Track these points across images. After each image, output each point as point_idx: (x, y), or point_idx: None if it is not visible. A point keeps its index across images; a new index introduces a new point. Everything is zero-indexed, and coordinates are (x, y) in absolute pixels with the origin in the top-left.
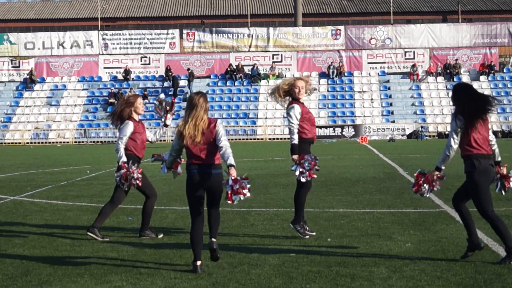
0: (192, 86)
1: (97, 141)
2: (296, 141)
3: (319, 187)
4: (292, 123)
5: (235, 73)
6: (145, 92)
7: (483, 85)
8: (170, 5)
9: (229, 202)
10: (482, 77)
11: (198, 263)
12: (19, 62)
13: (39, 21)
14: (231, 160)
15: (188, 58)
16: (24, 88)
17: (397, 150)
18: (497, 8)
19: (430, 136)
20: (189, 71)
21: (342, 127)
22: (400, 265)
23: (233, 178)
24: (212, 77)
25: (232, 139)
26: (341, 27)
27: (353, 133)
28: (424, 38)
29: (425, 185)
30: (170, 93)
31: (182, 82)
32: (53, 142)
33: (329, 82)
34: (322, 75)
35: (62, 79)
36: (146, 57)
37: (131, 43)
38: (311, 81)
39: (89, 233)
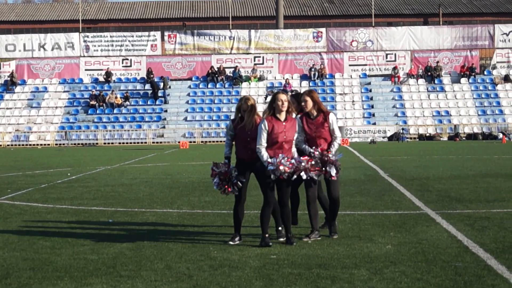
0: (166, 93)
1: (78, 144)
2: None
3: (299, 189)
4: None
5: (216, 75)
6: (126, 94)
7: (464, 87)
8: (152, 7)
9: None
10: (463, 80)
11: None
12: None
13: (20, 23)
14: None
15: (170, 60)
16: (4, 90)
17: (378, 152)
18: (478, 11)
19: (411, 138)
20: (163, 78)
21: None
22: (381, 267)
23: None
24: (193, 79)
25: (213, 141)
26: (323, 30)
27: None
28: (405, 41)
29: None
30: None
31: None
32: (34, 145)
33: (311, 85)
34: (303, 77)
35: (43, 81)
36: (127, 59)
37: (112, 45)
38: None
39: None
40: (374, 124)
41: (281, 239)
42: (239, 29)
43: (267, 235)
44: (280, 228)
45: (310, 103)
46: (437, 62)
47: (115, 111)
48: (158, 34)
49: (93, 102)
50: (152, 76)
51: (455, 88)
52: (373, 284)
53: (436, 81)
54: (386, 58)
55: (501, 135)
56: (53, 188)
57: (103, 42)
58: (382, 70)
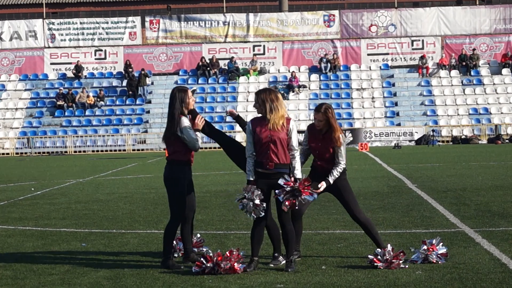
0: (145, 90)
1: (44, 152)
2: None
3: (312, 204)
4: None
5: (208, 68)
6: (101, 92)
7: (505, 80)
8: None
9: None
10: (504, 70)
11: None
12: None
13: None
14: None
15: (152, 51)
16: None
17: (404, 159)
18: None
19: (443, 141)
20: (143, 72)
21: None
22: None
23: None
24: (181, 73)
25: (207, 148)
26: (335, 12)
27: (351, 138)
28: (434, 24)
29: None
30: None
31: (148, 80)
32: None
33: (322, 78)
34: (313, 69)
35: (0, 78)
36: (101, 50)
37: (83, 34)
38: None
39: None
40: (399, 125)
41: (272, 265)
42: (235, 13)
43: (255, 259)
44: (276, 254)
45: (322, 123)
46: (473, 49)
47: (87, 112)
48: (137, 19)
49: (60, 103)
50: (131, 70)
51: (495, 81)
52: None
53: (472, 73)
54: (412, 45)
55: None
56: (14, 206)
57: (72, 30)
58: (407, 60)
